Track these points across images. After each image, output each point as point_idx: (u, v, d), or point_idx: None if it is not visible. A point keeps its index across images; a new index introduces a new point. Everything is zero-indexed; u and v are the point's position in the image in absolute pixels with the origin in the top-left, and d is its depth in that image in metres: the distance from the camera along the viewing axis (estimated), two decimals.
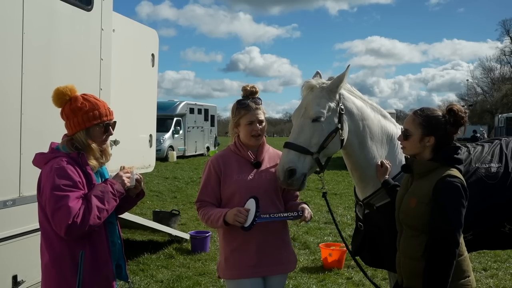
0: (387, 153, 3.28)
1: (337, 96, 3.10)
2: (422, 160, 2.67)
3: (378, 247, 3.29)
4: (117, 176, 2.65)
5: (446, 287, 2.47)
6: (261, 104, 3.03)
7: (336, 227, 3.58)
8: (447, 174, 2.55)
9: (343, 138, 3.10)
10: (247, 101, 2.99)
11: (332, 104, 3.07)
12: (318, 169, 3.09)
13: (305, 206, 3.00)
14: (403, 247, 2.72)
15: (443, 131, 2.63)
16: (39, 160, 2.59)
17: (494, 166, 3.32)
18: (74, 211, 2.37)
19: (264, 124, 3.02)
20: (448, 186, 2.52)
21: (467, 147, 3.48)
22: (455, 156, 2.65)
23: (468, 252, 3.32)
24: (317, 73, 3.30)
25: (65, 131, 2.68)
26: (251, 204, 2.76)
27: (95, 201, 2.45)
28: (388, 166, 3.20)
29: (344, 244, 6.94)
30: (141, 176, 2.80)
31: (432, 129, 2.62)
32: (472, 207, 3.14)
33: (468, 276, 2.60)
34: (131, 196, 2.78)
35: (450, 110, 2.66)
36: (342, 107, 3.10)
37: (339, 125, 3.06)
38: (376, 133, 3.27)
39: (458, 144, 2.78)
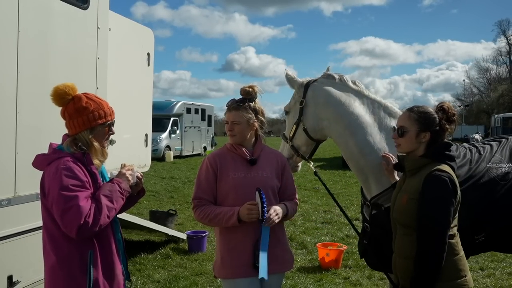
0: (390, 148, 3.25)
1: (302, 90, 3.50)
2: (413, 156, 2.67)
3: (383, 249, 3.16)
4: (121, 175, 2.65)
5: (432, 282, 2.46)
6: (245, 105, 2.99)
7: (331, 196, 3.69)
8: (436, 168, 2.55)
9: (306, 128, 3.46)
10: (230, 101, 3.03)
11: (297, 97, 3.54)
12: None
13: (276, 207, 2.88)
14: (398, 246, 2.72)
15: (438, 126, 2.66)
16: (41, 161, 2.56)
17: (504, 166, 3.27)
18: (85, 211, 2.35)
19: (241, 125, 2.97)
20: (435, 180, 2.51)
21: (476, 147, 3.43)
22: (446, 152, 2.64)
23: (479, 253, 3.28)
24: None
25: (62, 130, 2.65)
26: (256, 197, 2.80)
27: (104, 201, 2.45)
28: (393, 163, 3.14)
29: (339, 244, 6.95)
30: (141, 174, 2.80)
31: (428, 125, 2.64)
32: (484, 208, 3.11)
33: (465, 276, 2.57)
34: (132, 194, 2.77)
35: (441, 108, 2.70)
36: (302, 99, 3.48)
37: (302, 117, 3.47)
38: (366, 123, 3.32)
39: (449, 141, 2.78)
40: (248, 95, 3.03)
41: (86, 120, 2.56)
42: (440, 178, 2.50)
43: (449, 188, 2.50)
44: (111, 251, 2.58)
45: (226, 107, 3.04)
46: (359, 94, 3.42)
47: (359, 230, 3.57)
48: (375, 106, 3.40)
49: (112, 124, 2.69)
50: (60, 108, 2.63)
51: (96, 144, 2.59)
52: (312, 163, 3.59)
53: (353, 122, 3.32)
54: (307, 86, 3.49)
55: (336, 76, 3.48)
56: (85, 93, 2.65)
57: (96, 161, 2.59)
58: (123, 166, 2.72)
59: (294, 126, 3.48)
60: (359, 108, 3.37)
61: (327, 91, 3.43)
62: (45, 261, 2.55)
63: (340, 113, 3.36)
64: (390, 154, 3.20)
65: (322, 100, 3.42)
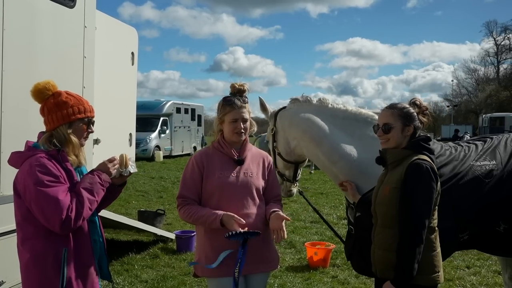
0: (360, 153, 3.35)
1: (273, 118, 3.68)
2: (395, 149, 2.77)
3: (368, 253, 3.09)
4: (102, 166, 2.64)
5: (414, 268, 2.52)
6: (247, 103, 3.03)
7: (321, 218, 3.87)
8: (417, 157, 2.68)
9: (279, 152, 3.64)
10: (233, 98, 2.98)
11: (271, 126, 3.72)
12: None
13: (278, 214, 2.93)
14: (378, 238, 2.78)
15: (417, 120, 2.82)
16: (16, 159, 2.54)
17: (489, 164, 3.32)
18: (66, 205, 2.37)
19: (248, 123, 3.01)
20: (417, 167, 2.63)
21: (462, 146, 3.47)
22: (425, 144, 2.76)
23: (461, 250, 3.30)
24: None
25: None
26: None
27: (85, 194, 2.45)
28: (349, 184, 3.31)
29: (328, 243, 6.98)
30: (135, 169, 2.78)
31: (410, 119, 2.79)
32: (470, 206, 3.16)
33: (438, 272, 2.68)
34: (115, 185, 2.75)
35: (414, 103, 2.88)
36: (273, 127, 3.68)
37: (274, 144, 3.67)
38: (330, 132, 3.44)
39: (428, 135, 2.89)
40: (243, 92, 3.02)
41: (66, 114, 2.55)
42: (422, 166, 2.63)
43: (431, 175, 2.62)
44: (86, 250, 2.58)
45: (230, 105, 2.95)
46: (322, 108, 3.54)
47: (347, 229, 3.61)
48: (339, 115, 3.49)
49: (92, 122, 2.68)
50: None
51: (74, 139, 2.57)
52: (297, 185, 3.77)
53: (315, 134, 3.45)
54: (276, 114, 3.68)
55: (301, 99, 3.63)
56: (66, 91, 2.65)
57: (72, 157, 2.57)
58: (122, 157, 2.70)
59: (272, 154, 3.69)
60: (322, 121, 3.48)
61: (291, 113, 3.61)
62: (20, 260, 2.54)
63: (304, 129, 3.49)
64: (348, 181, 3.34)
65: (287, 123, 3.60)
